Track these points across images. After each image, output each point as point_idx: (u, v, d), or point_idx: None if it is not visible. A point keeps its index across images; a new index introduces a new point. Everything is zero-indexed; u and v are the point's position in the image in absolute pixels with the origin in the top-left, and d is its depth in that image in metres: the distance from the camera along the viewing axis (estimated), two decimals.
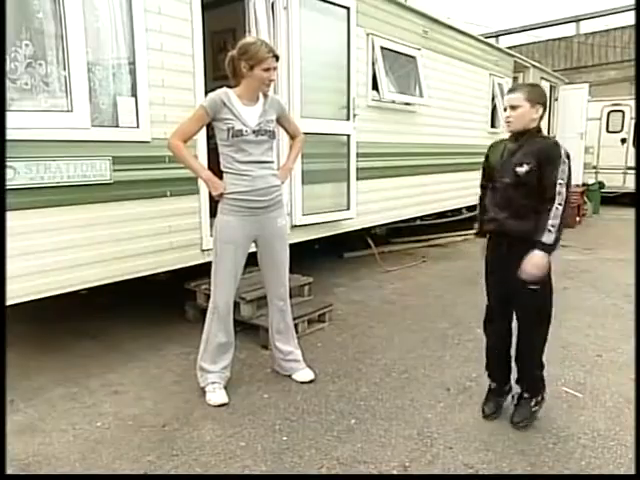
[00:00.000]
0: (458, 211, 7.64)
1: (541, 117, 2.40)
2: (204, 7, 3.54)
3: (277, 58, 2.67)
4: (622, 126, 11.83)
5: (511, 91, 2.45)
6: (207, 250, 3.61)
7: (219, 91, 2.65)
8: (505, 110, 2.43)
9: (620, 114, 11.84)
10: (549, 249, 2.25)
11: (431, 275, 5.56)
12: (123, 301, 4.26)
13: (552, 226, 2.23)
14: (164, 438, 2.42)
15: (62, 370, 3.12)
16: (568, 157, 2.28)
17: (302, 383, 2.95)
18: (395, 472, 2.18)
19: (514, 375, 2.65)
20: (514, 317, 2.55)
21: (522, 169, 2.31)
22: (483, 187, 2.66)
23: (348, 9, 4.59)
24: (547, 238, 2.23)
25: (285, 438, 2.42)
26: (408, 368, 3.18)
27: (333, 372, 3.12)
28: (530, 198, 2.31)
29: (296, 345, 3.09)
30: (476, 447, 2.36)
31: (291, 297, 3.91)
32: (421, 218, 6.98)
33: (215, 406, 2.70)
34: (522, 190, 2.33)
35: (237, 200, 2.67)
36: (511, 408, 2.60)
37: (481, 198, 2.67)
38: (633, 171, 11.44)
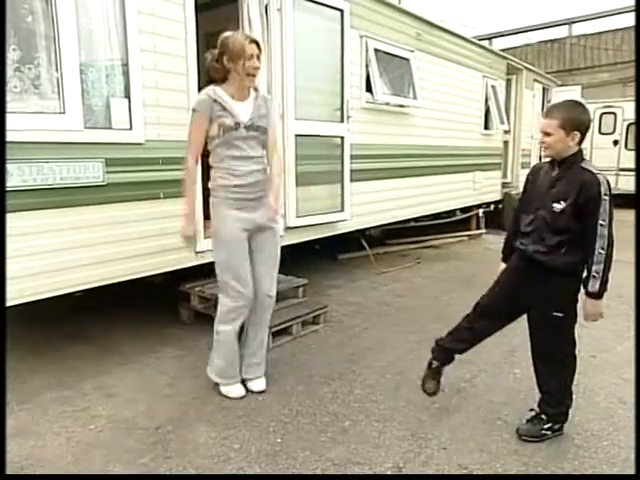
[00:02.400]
0: (452, 212, 7.67)
1: (580, 141, 2.22)
2: (197, 9, 3.54)
3: (257, 45, 2.61)
4: (614, 128, 11.91)
5: (547, 114, 2.25)
6: (201, 252, 3.61)
7: (206, 89, 2.63)
8: (539, 133, 2.29)
9: (612, 116, 11.93)
10: (596, 296, 2.20)
11: (426, 276, 5.57)
12: (117, 303, 4.24)
13: (596, 272, 2.16)
14: (158, 440, 2.41)
15: (55, 373, 3.11)
16: (609, 192, 2.15)
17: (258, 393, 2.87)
18: (389, 473, 2.18)
19: (535, 394, 2.55)
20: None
21: (559, 206, 2.20)
22: (516, 217, 2.52)
23: (342, 11, 4.60)
24: (592, 287, 2.19)
25: (279, 440, 2.42)
26: (403, 370, 3.18)
27: (327, 374, 3.12)
28: (563, 234, 2.22)
29: (262, 354, 2.95)
30: (470, 448, 2.36)
31: (285, 299, 3.94)
32: (416, 220, 7.00)
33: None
34: (556, 225, 2.23)
35: (230, 193, 2.65)
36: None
37: (516, 217, 2.53)
38: (625, 172, 11.52)
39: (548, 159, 2.36)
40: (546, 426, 2.41)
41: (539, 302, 2.34)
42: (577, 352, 2.42)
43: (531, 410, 2.51)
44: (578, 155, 2.25)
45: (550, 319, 2.31)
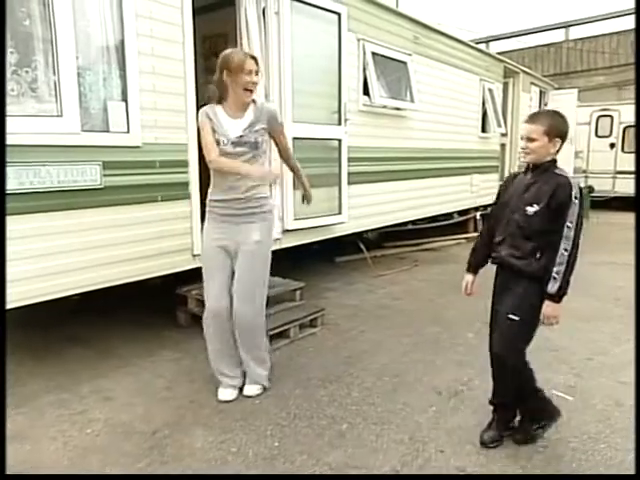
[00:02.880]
0: (449, 215, 7.68)
1: (558, 150, 2.26)
2: (195, 12, 3.55)
3: (255, 60, 2.66)
4: (611, 131, 11.96)
5: (530, 120, 2.28)
6: (198, 255, 3.60)
7: (204, 107, 2.70)
8: (522, 138, 2.30)
9: (609, 119, 11.98)
10: (555, 298, 2.18)
11: (423, 279, 5.58)
12: (115, 306, 4.23)
13: (557, 273, 2.15)
14: (154, 445, 2.40)
15: (52, 376, 3.10)
16: (580, 195, 2.16)
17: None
18: (387, 474, 2.18)
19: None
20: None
21: (532, 209, 2.21)
22: (488, 218, 2.58)
23: (339, 14, 4.61)
24: (551, 287, 2.16)
25: (277, 444, 2.41)
26: (400, 372, 3.18)
27: (324, 377, 3.12)
28: (536, 239, 2.22)
29: (253, 362, 2.88)
30: (468, 451, 2.36)
31: (282, 302, 3.94)
32: (413, 222, 7.01)
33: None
34: (529, 229, 2.24)
35: (213, 207, 2.73)
36: None
37: (483, 230, 2.57)
38: (622, 175, 11.57)
39: (524, 167, 2.39)
40: (535, 426, 2.41)
41: (504, 305, 2.34)
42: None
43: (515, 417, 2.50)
44: (552, 162, 2.28)
45: (507, 320, 2.29)
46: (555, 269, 2.16)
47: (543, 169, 2.27)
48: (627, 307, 4.48)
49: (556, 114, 2.31)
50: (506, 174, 9.19)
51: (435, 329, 3.96)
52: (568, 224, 2.14)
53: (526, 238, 2.25)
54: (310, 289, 4.52)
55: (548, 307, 2.21)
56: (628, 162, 11.62)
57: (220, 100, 2.69)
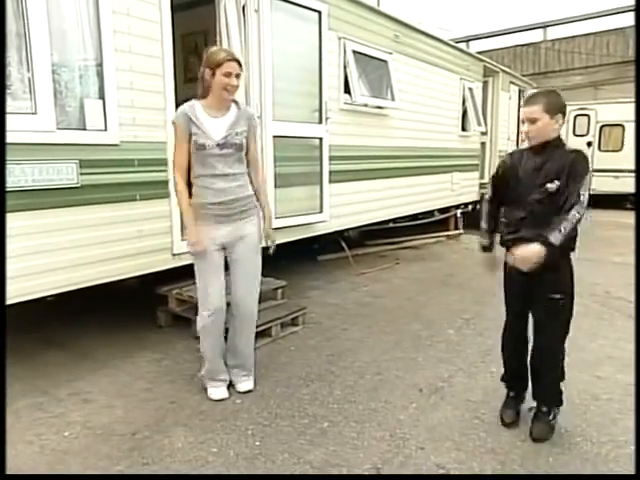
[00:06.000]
0: (430, 213, 7.74)
1: (561, 125, 2.31)
2: (174, 9, 3.51)
3: (239, 63, 2.63)
4: (588, 130, 12.18)
5: (528, 103, 2.31)
6: (178, 254, 3.57)
7: (185, 105, 2.65)
8: (523, 123, 2.33)
9: (586, 118, 12.19)
10: (550, 248, 2.19)
11: (404, 277, 5.61)
12: (92, 308, 4.17)
13: (564, 227, 2.19)
14: (134, 447, 2.38)
15: (28, 379, 3.04)
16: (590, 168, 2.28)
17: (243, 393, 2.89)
18: (367, 474, 2.19)
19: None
20: (530, 328, 2.55)
21: (553, 185, 2.25)
22: (491, 202, 2.56)
23: (319, 13, 4.61)
24: (554, 238, 2.18)
25: (258, 443, 2.41)
26: (381, 370, 3.20)
27: (306, 375, 3.12)
28: (555, 212, 2.25)
29: (244, 357, 2.94)
30: (447, 447, 2.38)
31: (264, 300, 3.92)
32: (394, 221, 7.04)
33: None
34: (552, 206, 2.26)
35: (204, 209, 2.68)
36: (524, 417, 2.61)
37: (489, 213, 2.57)
38: (599, 173, 11.78)
39: (524, 147, 2.42)
40: (550, 416, 2.49)
41: (545, 288, 2.36)
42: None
43: (530, 409, 2.58)
44: (559, 139, 2.34)
45: (554, 302, 2.36)
46: (563, 224, 2.19)
47: (554, 146, 2.32)
48: (603, 304, 4.57)
49: (551, 92, 2.38)
50: (486, 172, 9.31)
51: (416, 326, 3.99)
52: (583, 192, 2.22)
53: (549, 215, 2.26)
54: (292, 288, 4.52)
55: (535, 247, 2.20)
56: (604, 160, 11.85)
57: (204, 96, 2.67)
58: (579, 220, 2.22)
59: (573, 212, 2.20)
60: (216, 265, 2.74)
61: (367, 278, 5.52)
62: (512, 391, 2.67)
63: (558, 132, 2.33)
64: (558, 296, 2.36)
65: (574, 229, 2.23)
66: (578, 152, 2.30)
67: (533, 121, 2.28)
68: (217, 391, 2.85)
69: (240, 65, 2.65)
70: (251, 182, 2.81)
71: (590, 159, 9.93)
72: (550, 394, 2.51)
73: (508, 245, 2.43)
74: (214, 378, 2.87)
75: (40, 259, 2.87)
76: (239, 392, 2.88)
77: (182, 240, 3.54)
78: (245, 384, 2.91)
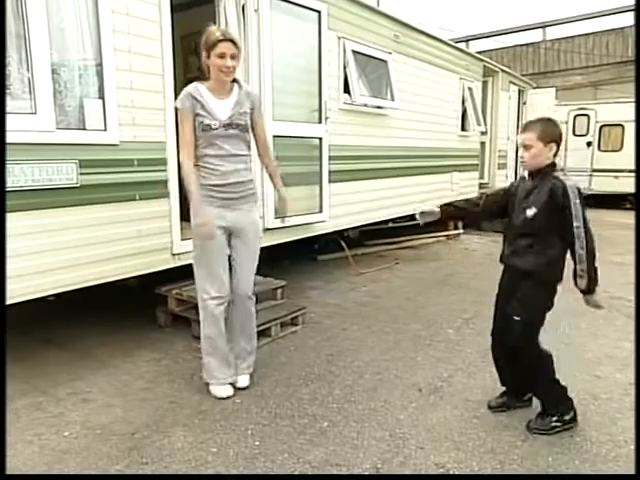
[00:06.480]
0: None
1: (555, 153, 2.39)
2: (174, 9, 3.51)
3: (233, 42, 2.57)
4: (587, 130, 12.18)
5: (524, 129, 2.42)
6: (178, 254, 3.57)
7: (189, 87, 2.63)
8: (519, 149, 2.45)
9: (586, 118, 12.20)
10: (588, 292, 2.34)
11: (404, 277, 5.61)
12: (92, 307, 4.17)
13: (582, 271, 2.29)
14: (134, 446, 2.38)
15: (28, 379, 3.04)
16: (579, 194, 2.27)
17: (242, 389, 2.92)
18: (367, 474, 2.19)
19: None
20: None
21: (530, 212, 2.36)
22: (488, 196, 2.74)
23: (319, 12, 4.61)
24: (580, 284, 2.32)
25: (257, 443, 2.41)
26: (381, 370, 3.20)
27: (306, 375, 3.12)
28: (532, 237, 2.37)
29: (252, 347, 3.01)
30: (447, 447, 2.38)
31: (264, 300, 3.92)
32: (393, 220, 7.05)
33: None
34: (526, 229, 2.39)
35: (210, 191, 2.65)
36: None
37: (480, 198, 2.76)
38: (598, 173, 11.81)
39: (526, 173, 2.50)
40: (554, 418, 2.50)
41: (509, 305, 2.50)
42: (546, 348, 2.52)
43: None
44: (551, 166, 2.39)
45: (512, 321, 2.45)
46: (578, 267, 2.30)
47: (544, 174, 2.38)
48: (604, 303, 4.56)
49: (548, 120, 2.45)
50: (485, 172, 9.32)
51: (416, 326, 3.99)
52: (576, 224, 2.26)
53: (522, 236, 2.41)
54: (292, 287, 4.52)
55: (586, 298, 2.39)
56: (604, 160, 11.86)
57: (207, 78, 2.66)
58: (589, 252, 2.27)
59: (577, 252, 2.28)
60: (222, 249, 2.73)
61: (367, 278, 5.52)
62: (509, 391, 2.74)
63: (552, 160, 2.39)
64: (517, 318, 2.43)
65: (592, 262, 2.29)
66: (558, 182, 2.31)
67: (527, 147, 2.37)
68: (221, 389, 2.84)
69: (235, 44, 2.58)
70: (262, 162, 2.88)
71: (590, 160, 9.87)
72: (544, 398, 2.54)
73: (505, 263, 2.59)
74: (218, 376, 2.85)
75: (39, 259, 2.87)
76: (239, 388, 2.89)
77: (182, 240, 3.55)
78: (241, 381, 2.91)
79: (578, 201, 2.26)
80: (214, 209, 2.66)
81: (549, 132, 2.35)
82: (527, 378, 2.57)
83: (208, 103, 2.60)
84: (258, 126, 2.82)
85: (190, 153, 2.64)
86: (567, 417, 2.51)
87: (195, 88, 2.62)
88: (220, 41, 2.54)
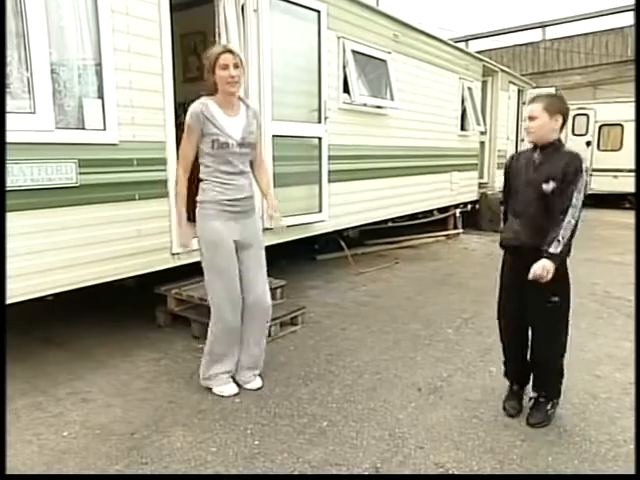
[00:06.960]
0: (429, 213, 7.74)
1: (562, 127, 2.42)
2: (173, 8, 3.50)
3: (233, 53, 2.62)
4: (587, 129, 12.19)
5: (530, 102, 2.47)
6: (177, 254, 3.57)
7: (197, 104, 2.64)
8: (525, 121, 2.47)
9: (585, 117, 12.20)
10: (556, 259, 2.30)
11: (403, 277, 5.61)
12: (91, 307, 4.17)
13: (562, 237, 2.29)
14: (133, 446, 2.37)
15: (28, 379, 3.04)
16: (586, 170, 2.34)
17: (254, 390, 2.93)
18: (367, 474, 2.19)
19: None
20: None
21: (548, 186, 2.35)
22: (506, 202, 2.68)
23: (319, 12, 4.60)
24: (555, 248, 2.29)
25: (257, 442, 2.41)
26: (380, 369, 3.20)
27: (305, 375, 3.12)
28: (551, 214, 2.35)
29: (261, 350, 3.00)
30: (446, 446, 2.38)
31: None
32: (393, 220, 7.05)
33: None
34: (545, 205, 2.37)
35: (222, 206, 2.69)
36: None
37: (505, 212, 2.69)
38: (597, 173, 11.80)
39: (530, 146, 2.51)
40: (548, 406, 2.55)
41: (538, 288, 2.40)
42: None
43: (530, 399, 2.63)
44: (560, 141, 2.44)
45: (548, 304, 2.42)
46: (561, 232, 2.29)
47: (554, 148, 2.41)
48: (602, 303, 4.57)
49: (554, 95, 2.56)
50: (485, 172, 9.31)
51: (415, 326, 3.99)
52: (577, 193, 2.30)
53: (542, 214, 2.38)
54: (291, 287, 4.51)
55: (545, 262, 2.29)
56: (603, 160, 11.87)
57: (213, 93, 2.68)
58: (575, 225, 2.29)
59: (568, 218, 2.29)
60: (234, 263, 2.77)
61: (366, 278, 5.52)
62: (514, 385, 2.73)
63: (558, 134, 2.43)
64: (556, 299, 2.42)
65: (572, 236, 2.31)
66: (572, 154, 2.39)
67: (533, 118, 2.41)
68: (229, 387, 2.86)
69: (235, 54, 2.63)
70: (256, 180, 2.91)
71: (589, 159, 9.94)
72: (549, 383, 2.57)
73: (504, 247, 2.59)
74: (224, 377, 2.87)
75: (39, 258, 2.86)
76: (250, 390, 2.91)
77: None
78: (255, 383, 2.94)
79: (585, 173, 2.33)
80: (224, 223, 2.69)
81: (554, 104, 2.40)
82: (542, 365, 2.56)
83: (218, 121, 2.63)
84: (259, 143, 2.90)
85: (187, 166, 2.72)
86: (556, 400, 2.59)
87: (205, 106, 2.62)
88: (221, 53, 2.59)
